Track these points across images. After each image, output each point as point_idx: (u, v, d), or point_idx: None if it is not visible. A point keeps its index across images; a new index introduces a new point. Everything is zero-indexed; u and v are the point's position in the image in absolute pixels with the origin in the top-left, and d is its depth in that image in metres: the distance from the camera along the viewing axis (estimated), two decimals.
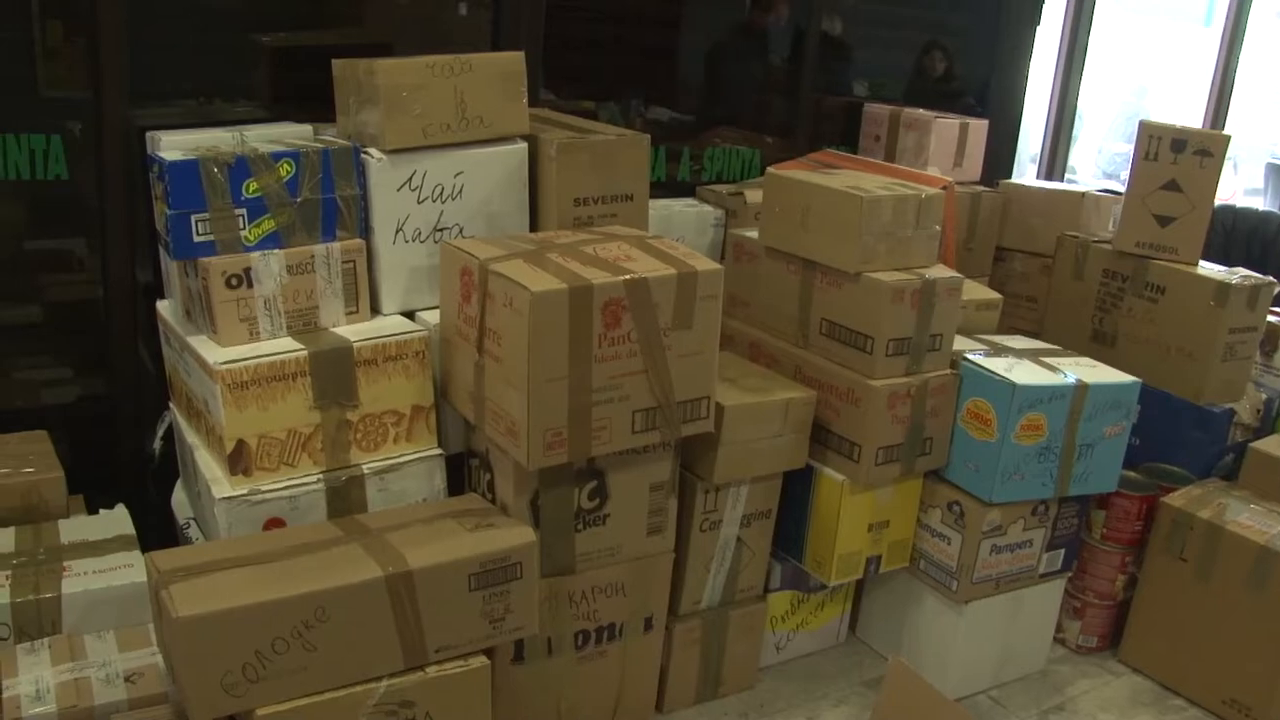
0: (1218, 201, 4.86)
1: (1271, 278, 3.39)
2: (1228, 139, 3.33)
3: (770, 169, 2.97)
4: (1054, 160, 6.19)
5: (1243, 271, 3.37)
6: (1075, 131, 6.26)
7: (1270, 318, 3.64)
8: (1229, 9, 7.35)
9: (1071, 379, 2.78)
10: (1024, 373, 2.77)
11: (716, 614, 2.79)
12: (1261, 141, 9.19)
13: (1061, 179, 6.12)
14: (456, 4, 3.39)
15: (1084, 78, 6.11)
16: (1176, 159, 3.32)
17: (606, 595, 2.52)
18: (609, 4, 3.64)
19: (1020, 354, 2.93)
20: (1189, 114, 7.55)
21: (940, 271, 2.75)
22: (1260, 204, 7.67)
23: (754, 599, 2.86)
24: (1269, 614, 2.92)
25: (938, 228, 2.77)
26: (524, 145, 2.61)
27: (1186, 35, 7.71)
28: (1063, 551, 3.03)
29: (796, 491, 2.81)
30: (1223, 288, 3.24)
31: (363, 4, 3.32)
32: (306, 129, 2.65)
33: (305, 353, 2.28)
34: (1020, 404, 2.69)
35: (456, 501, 2.40)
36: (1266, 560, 2.92)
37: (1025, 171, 6.26)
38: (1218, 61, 7.40)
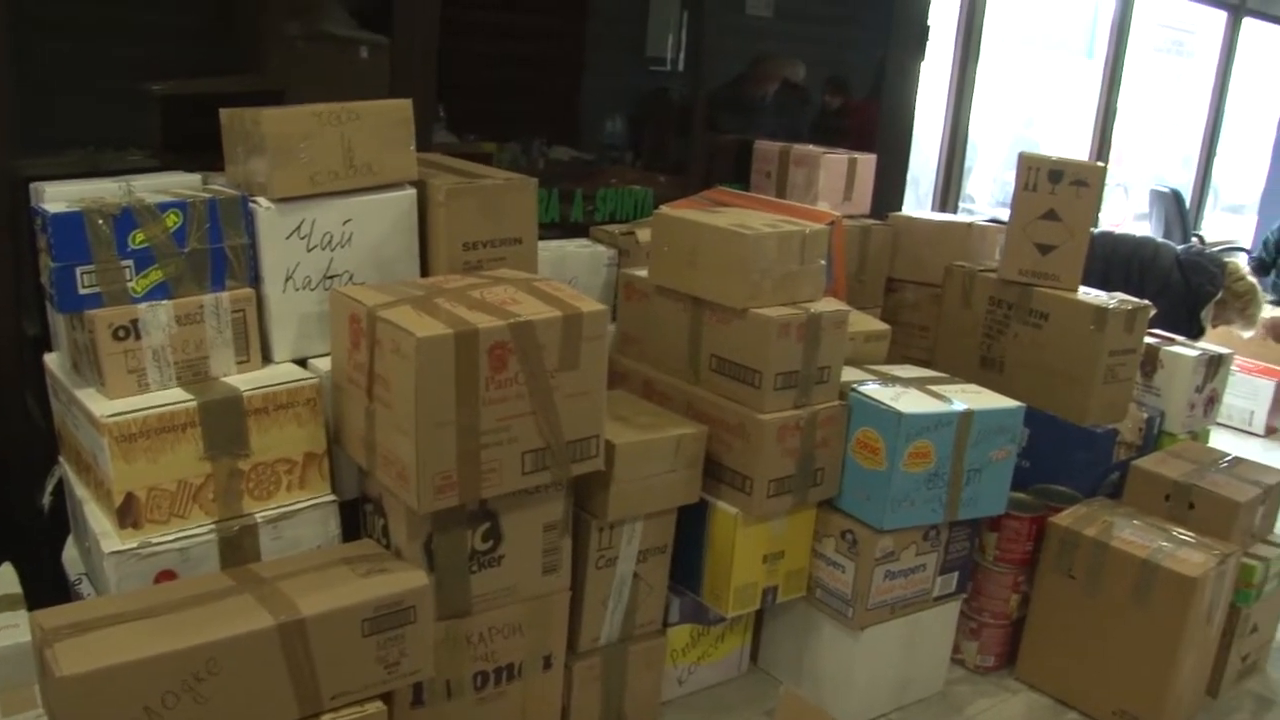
0: (1099, 228, 5.05)
1: (1147, 301, 3.52)
2: (1103, 169, 3.47)
3: (659, 209, 3.03)
4: (948, 190, 6.35)
5: (1120, 296, 3.50)
6: (969, 162, 6.44)
7: (1148, 339, 3.79)
8: (1109, 42, 7.63)
9: (957, 406, 2.86)
10: (911, 401, 2.85)
11: (616, 650, 2.81)
12: (1153, 168, 9.51)
13: (956, 209, 6.28)
14: (356, 48, 3.41)
15: (974, 109, 6.30)
16: (1054, 189, 3.44)
17: (504, 635, 2.53)
18: (507, 47, 3.68)
19: (908, 383, 3.01)
20: (1076, 143, 7.79)
21: (826, 305, 2.82)
22: (1147, 227, 7.92)
23: (653, 634, 2.89)
24: (1153, 625, 3.03)
25: (823, 262, 2.84)
26: (412, 191, 2.63)
27: (1071, 67, 7.96)
28: (956, 574, 3.11)
29: (691, 526, 2.86)
30: (1101, 312, 3.36)
31: (259, 51, 3.32)
32: (195, 178, 2.65)
33: (195, 403, 2.27)
34: (907, 432, 2.77)
35: (350, 547, 2.40)
36: (1149, 573, 3.02)
37: (927, 203, 6.43)
38: (1100, 92, 7.66)
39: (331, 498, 2.45)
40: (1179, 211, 7.73)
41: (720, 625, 3.09)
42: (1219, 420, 5.84)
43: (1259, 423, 6.05)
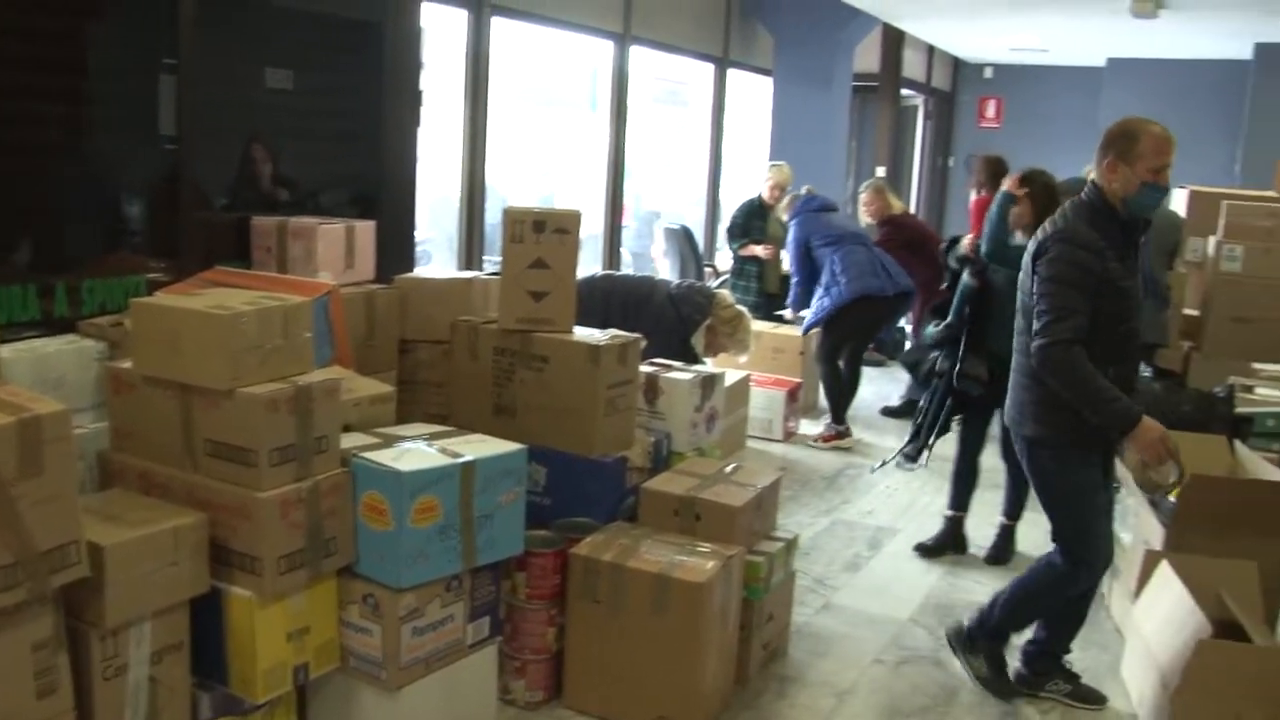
0: (599, 271, 5.39)
1: (638, 335, 3.79)
2: (578, 216, 3.70)
3: (136, 299, 2.93)
4: (470, 246, 6.55)
5: (612, 332, 3.75)
6: (491, 217, 6.66)
7: (647, 369, 4.08)
8: (611, 95, 8.17)
9: (460, 458, 2.96)
10: (413, 460, 2.92)
11: None
12: (675, 207, 10.24)
13: (480, 264, 6.49)
14: None
15: (497, 166, 6.56)
16: (539, 239, 3.64)
17: None
18: None
19: (413, 441, 3.08)
20: (593, 191, 8.27)
21: (317, 375, 2.84)
22: (667, 264, 8.53)
23: None
24: (673, 633, 3.26)
25: (308, 334, 2.86)
26: None
27: (578, 120, 8.45)
28: (488, 618, 3.20)
29: (207, 616, 2.77)
30: (595, 349, 3.59)
31: None
32: None
33: None
34: (410, 490, 2.83)
35: None
36: (663, 586, 3.25)
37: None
38: (609, 142, 8.18)
39: None
40: (691, 246, 8.38)
41: (257, 713, 3.00)
42: (748, 433, 6.41)
43: (778, 429, 6.64)
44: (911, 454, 4.80)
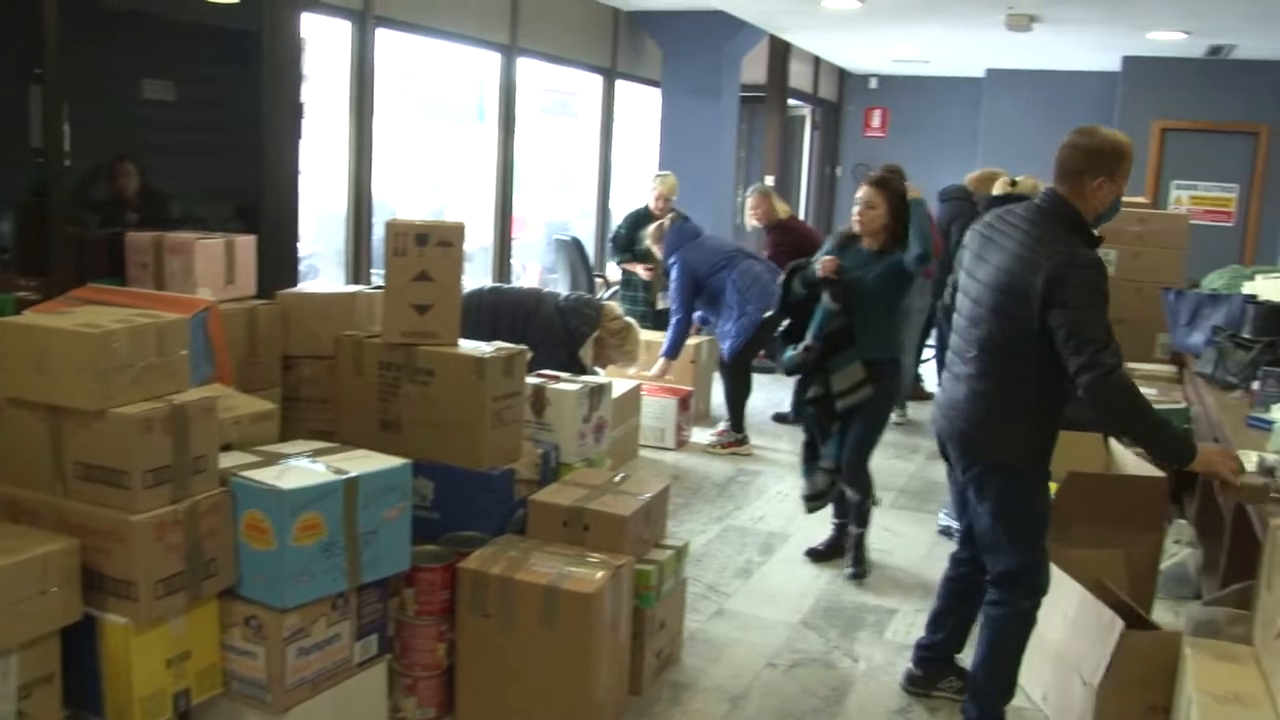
0: (487, 284, 5.37)
1: (524, 346, 3.78)
2: (462, 228, 3.67)
3: (1, 318, 2.84)
4: (358, 260, 6.48)
5: (498, 344, 3.72)
6: (380, 230, 6.59)
7: (534, 380, 4.07)
8: (499, 107, 8.15)
9: (342, 474, 2.92)
10: (295, 477, 2.87)
11: None
12: (566, 218, 10.24)
13: (369, 278, 6.41)
14: None
15: (388, 180, 6.49)
16: (423, 251, 3.61)
17: None
18: None
19: (296, 458, 3.03)
20: (483, 203, 8.23)
21: (193, 394, 2.78)
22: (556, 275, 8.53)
23: None
24: (564, 644, 3.25)
25: (184, 352, 2.80)
26: None
27: (468, 132, 8.41)
28: (375, 636, 3.16)
29: (80, 644, 2.69)
30: (480, 362, 3.57)
31: None
32: None
33: None
34: (291, 508, 2.78)
35: None
36: (552, 598, 3.24)
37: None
38: (497, 154, 8.16)
39: None
40: (581, 257, 8.38)
41: None
42: (641, 442, 6.43)
43: (670, 438, 6.67)
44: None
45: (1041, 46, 10.30)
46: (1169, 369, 6.05)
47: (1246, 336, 4.91)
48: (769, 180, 10.69)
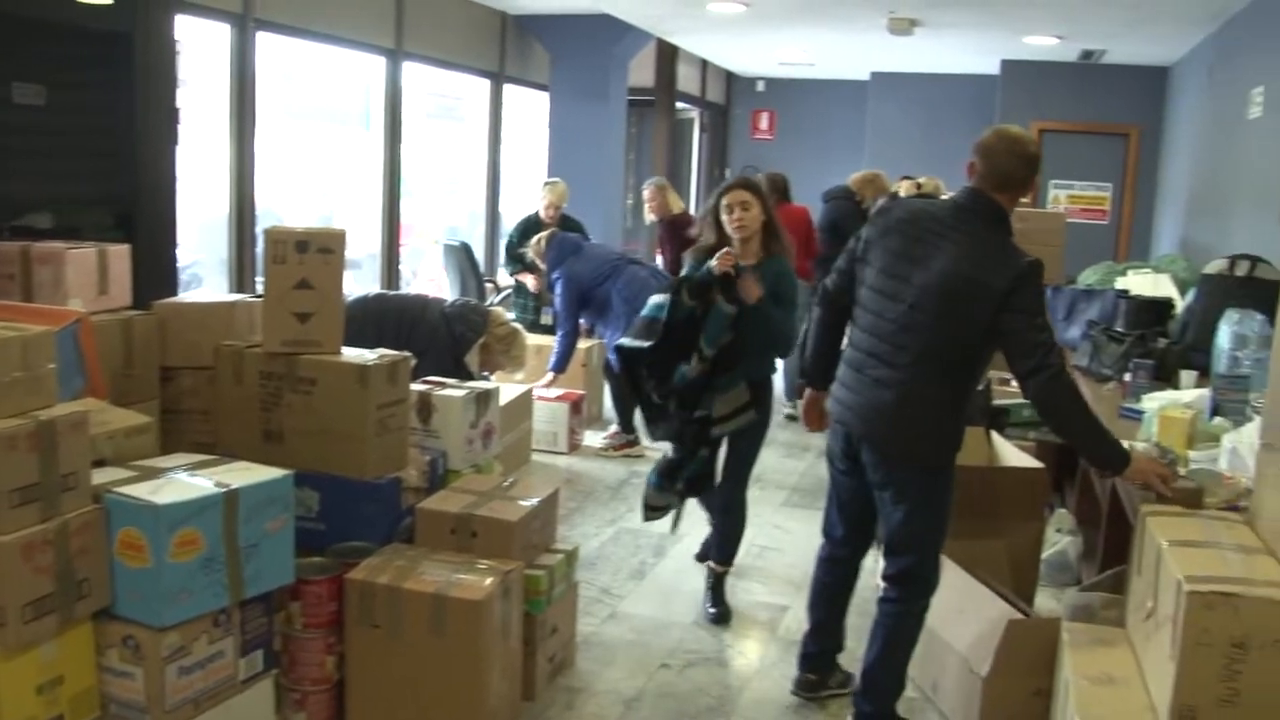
0: (371, 291, 5.31)
1: (408, 353, 3.74)
2: (343, 234, 3.62)
3: None
4: (241, 268, 6.36)
5: (381, 351, 3.67)
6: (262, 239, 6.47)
7: (420, 387, 4.03)
8: (385, 112, 8.07)
9: (219, 487, 2.85)
10: (171, 491, 2.80)
11: None
12: (455, 223, 10.14)
13: (253, 287, 6.29)
14: None
15: (273, 188, 6.38)
16: (303, 259, 3.55)
17: None
18: None
19: (174, 472, 2.96)
20: (371, 208, 8.14)
21: (62, 409, 2.69)
22: (446, 279, 8.46)
23: None
24: (454, 653, 3.23)
25: (51, 366, 2.71)
26: None
27: (354, 137, 8.30)
28: (261, 651, 3.10)
29: None
30: (363, 370, 3.52)
31: None
32: None
33: None
34: (168, 523, 2.71)
35: None
36: (440, 606, 3.21)
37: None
38: (383, 159, 8.07)
39: None
40: (470, 262, 8.33)
41: None
42: (534, 446, 6.41)
43: (563, 442, 6.66)
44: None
45: (923, 50, 10.52)
46: None
47: (1119, 330, 5.06)
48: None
